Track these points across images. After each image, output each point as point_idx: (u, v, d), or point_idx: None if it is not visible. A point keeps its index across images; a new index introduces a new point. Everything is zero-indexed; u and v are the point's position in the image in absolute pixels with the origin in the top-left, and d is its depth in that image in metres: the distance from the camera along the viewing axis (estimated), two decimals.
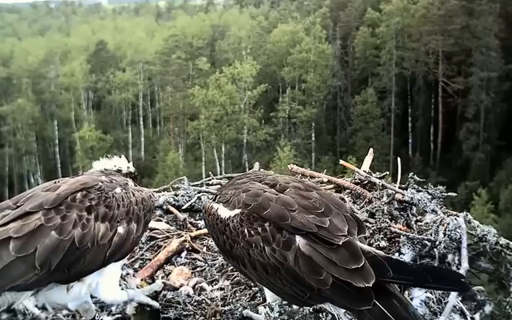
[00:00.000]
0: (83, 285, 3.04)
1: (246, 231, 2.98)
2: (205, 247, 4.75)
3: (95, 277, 3.07)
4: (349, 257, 2.76)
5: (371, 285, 2.68)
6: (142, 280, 4.03)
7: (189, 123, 57.86)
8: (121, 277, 3.97)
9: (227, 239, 3.08)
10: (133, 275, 4.23)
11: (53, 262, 2.78)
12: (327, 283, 2.74)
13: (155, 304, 3.53)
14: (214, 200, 3.34)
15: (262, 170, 4.36)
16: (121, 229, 3.03)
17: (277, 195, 3.05)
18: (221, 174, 7.59)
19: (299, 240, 2.85)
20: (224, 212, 3.14)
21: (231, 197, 3.18)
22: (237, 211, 3.07)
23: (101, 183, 3.12)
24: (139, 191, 3.27)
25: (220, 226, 3.13)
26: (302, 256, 2.82)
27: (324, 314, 3.42)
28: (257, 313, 3.62)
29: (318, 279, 2.76)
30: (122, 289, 3.43)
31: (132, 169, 3.71)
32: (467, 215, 4.47)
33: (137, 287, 3.71)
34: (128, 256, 3.39)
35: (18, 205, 2.96)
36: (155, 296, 3.58)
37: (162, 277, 4.24)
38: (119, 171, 3.57)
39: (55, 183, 3.16)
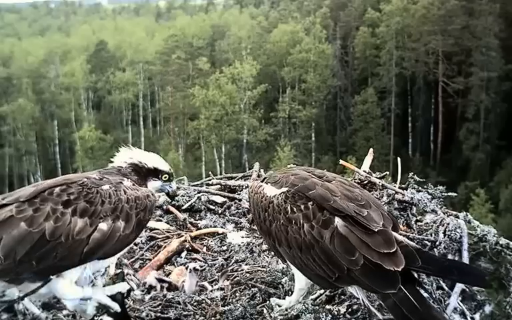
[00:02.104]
0: (63, 280, 2.98)
1: (289, 207, 3.17)
2: (205, 247, 4.75)
3: (77, 272, 3.00)
4: (383, 243, 2.92)
5: (400, 270, 2.84)
6: (110, 279, 3.78)
7: (189, 123, 57.86)
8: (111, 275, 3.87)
9: (268, 216, 3.27)
10: (133, 275, 4.24)
11: (19, 252, 2.74)
12: (357, 264, 2.90)
13: (115, 306, 3.21)
14: (262, 181, 3.53)
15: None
16: (103, 226, 2.94)
17: (322, 182, 3.25)
18: (221, 174, 7.59)
19: (338, 221, 3.02)
20: (270, 190, 3.35)
21: (280, 179, 3.38)
22: (284, 189, 3.26)
23: (85, 179, 3.05)
24: (133, 189, 3.17)
25: (264, 203, 3.32)
26: (338, 235, 2.99)
27: (324, 314, 3.43)
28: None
29: (350, 259, 2.92)
30: (82, 287, 3.16)
31: (147, 163, 3.46)
32: (466, 215, 4.47)
33: (103, 286, 3.41)
34: (117, 253, 3.20)
35: (3, 198, 2.97)
36: (119, 298, 3.26)
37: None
38: (119, 169, 3.41)
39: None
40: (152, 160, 3.52)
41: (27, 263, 2.78)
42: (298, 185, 3.23)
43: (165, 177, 3.55)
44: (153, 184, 3.52)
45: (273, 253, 4.12)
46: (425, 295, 3.62)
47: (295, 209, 3.14)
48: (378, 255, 2.88)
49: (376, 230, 2.97)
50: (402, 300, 2.82)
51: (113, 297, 3.25)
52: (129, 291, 3.45)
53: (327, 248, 2.99)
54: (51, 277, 2.94)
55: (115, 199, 3.02)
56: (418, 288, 2.95)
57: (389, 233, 2.99)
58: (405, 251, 2.91)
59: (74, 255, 2.88)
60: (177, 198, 5.44)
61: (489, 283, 3.14)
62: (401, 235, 4.36)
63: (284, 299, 3.75)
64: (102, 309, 3.21)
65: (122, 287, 3.35)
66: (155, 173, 3.51)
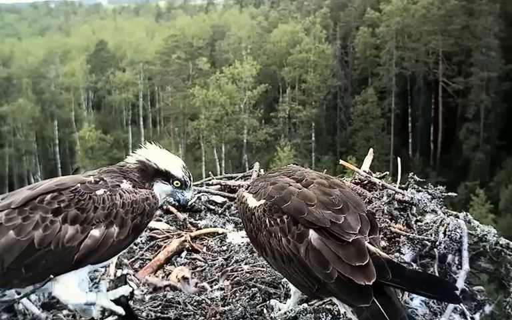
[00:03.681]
0: (56, 283, 2.98)
1: (267, 220, 3.19)
2: (205, 247, 4.75)
3: (71, 276, 2.99)
4: (355, 255, 2.89)
5: (371, 284, 2.80)
6: (112, 282, 3.90)
7: (189, 123, 57.85)
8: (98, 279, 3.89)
9: (253, 227, 3.30)
10: (133, 275, 4.24)
11: (7, 260, 2.76)
12: (332, 277, 2.89)
13: (119, 310, 3.21)
14: (246, 189, 3.55)
15: (294, 165, 4.37)
16: (96, 232, 2.92)
17: (300, 189, 3.20)
18: (221, 174, 7.58)
19: (312, 234, 3.00)
20: (252, 201, 3.35)
21: (259, 188, 3.38)
22: (262, 201, 3.27)
23: (79, 185, 3.00)
24: (131, 192, 3.10)
25: (248, 214, 3.35)
26: (312, 249, 2.97)
27: (324, 314, 3.43)
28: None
29: (324, 272, 2.91)
30: (87, 292, 3.19)
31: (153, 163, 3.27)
32: (466, 215, 4.47)
33: (107, 290, 3.43)
34: (111, 258, 3.18)
35: (2, 198, 2.99)
36: (124, 302, 3.27)
37: (162, 277, 4.24)
38: (121, 167, 3.30)
39: (50, 181, 3.11)
40: (166, 161, 3.33)
41: (16, 270, 2.79)
42: (274, 197, 3.20)
43: (177, 184, 3.35)
44: (161, 187, 3.34)
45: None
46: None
47: (272, 222, 3.14)
48: (350, 268, 2.86)
49: (350, 240, 2.94)
50: (375, 314, 2.80)
51: (117, 301, 3.24)
52: (132, 293, 3.40)
53: (303, 262, 2.99)
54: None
55: (108, 204, 2.98)
56: (393, 298, 2.89)
57: (362, 244, 2.94)
58: (377, 263, 2.87)
59: (65, 262, 2.88)
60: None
61: (459, 298, 3.04)
62: (400, 235, 4.40)
63: (284, 299, 3.76)
64: (106, 313, 3.21)
65: (125, 290, 3.31)
66: (165, 175, 3.32)
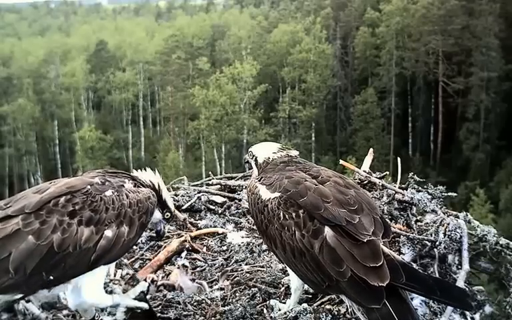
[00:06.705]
0: (69, 285, 3.01)
1: (281, 214, 3.17)
2: (205, 247, 4.75)
3: (83, 278, 3.04)
4: (370, 255, 2.90)
5: (384, 285, 2.81)
6: (126, 284, 3.94)
7: (189, 123, 57.83)
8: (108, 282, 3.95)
9: (264, 219, 3.28)
10: (133, 275, 4.24)
11: (29, 266, 2.76)
12: (345, 276, 2.90)
13: (144, 305, 3.40)
14: (259, 180, 3.50)
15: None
16: (109, 233, 2.98)
17: (316, 185, 3.19)
18: (221, 174, 7.58)
19: (327, 231, 3.00)
20: (265, 193, 3.33)
21: (274, 181, 3.35)
22: (277, 194, 3.24)
23: (89, 187, 3.05)
24: (135, 192, 3.20)
25: (260, 205, 3.32)
26: (327, 246, 2.97)
27: (324, 314, 3.43)
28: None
29: (338, 270, 2.92)
30: (107, 293, 3.32)
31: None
32: (466, 215, 4.46)
33: (123, 292, 3.58)
34: (120, 258, 3.32)
35: (8, 206, 2.96)
36: (142, 297, 3.45)
37: (162, 277, 4.24)
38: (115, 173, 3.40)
39: (51, 183, 3.13)
40: (167, 193, 3.56)
41: (38, 275, 2.81)
42: (290, 191, 3.20)
43: (167, 215, 3.57)
44: (155, 214, 3.50)
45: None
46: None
47: (287, 216, 3.13)
48: (364, 268, 2.86)
49: (365, 240, 2.94)
50: (385, 316, 2.80)
51: (137, 298, 3.40)
52: (148, 287, 3.57)
53: (317, 258, 2.99)
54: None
55: (118, 204, 3.05)
56: (405, 301, 2.90)
57: (377, 245, 2.95)
58: (391, 265, 2.88)
59: (82, 264, 2.93)
60: (177, 198, 5.43)
61: (472, 305, 3.05)
62: (400, 235, 4.40)
63: (284, 299, 3.76)
64: (129, 311, 3.34)
65: (142, 286, 3.49)
66: (162, 205, 3.51)
